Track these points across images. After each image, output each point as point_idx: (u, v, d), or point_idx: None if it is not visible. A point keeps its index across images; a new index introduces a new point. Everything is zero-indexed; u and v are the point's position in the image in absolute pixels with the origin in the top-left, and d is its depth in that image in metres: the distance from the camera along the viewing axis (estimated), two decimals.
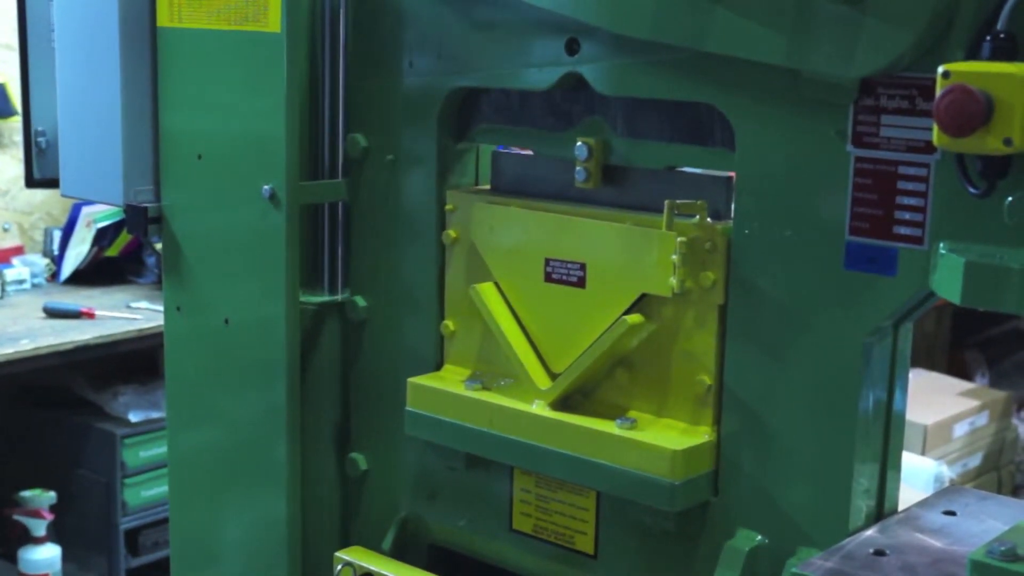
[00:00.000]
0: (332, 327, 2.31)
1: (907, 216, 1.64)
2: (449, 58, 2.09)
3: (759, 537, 1.83)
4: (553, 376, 2.00)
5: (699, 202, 1.81)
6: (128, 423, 4.66)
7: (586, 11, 1.86)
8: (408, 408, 2.12)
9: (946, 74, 1.43)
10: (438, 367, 2.18)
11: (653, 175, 1.94)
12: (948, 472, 5.02)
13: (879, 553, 1.67)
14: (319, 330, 2.31)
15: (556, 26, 1.92)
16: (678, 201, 1.80)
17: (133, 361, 4.82)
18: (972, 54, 1.49)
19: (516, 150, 2.17)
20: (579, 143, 1.95)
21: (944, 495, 1.89)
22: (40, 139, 2.55)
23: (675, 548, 1.92)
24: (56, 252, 5.11)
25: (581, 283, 1.96)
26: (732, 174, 1.81)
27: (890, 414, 1.80)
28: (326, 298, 2.30)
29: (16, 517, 4.60)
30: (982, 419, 5.45)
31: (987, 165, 1.48)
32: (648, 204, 1.92)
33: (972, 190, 1.52)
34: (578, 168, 1.96)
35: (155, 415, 4.65)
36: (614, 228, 1.91)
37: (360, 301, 2.27)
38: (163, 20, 2.26)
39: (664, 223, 1.79)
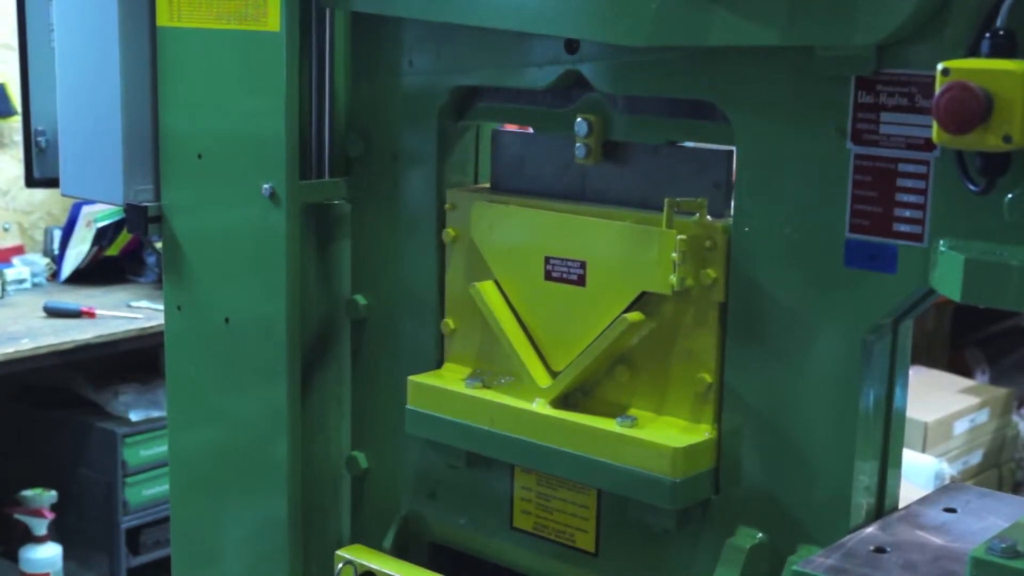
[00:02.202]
0: (334, 325, 2.31)
1: (907, 213, 1.64)
2: (448, 57, 2.09)
3: (760, 535, 1.83)
4: (553, 374, 2.00)
5: (699, 200, 1.81)
6: (129, 422, 4.66)
7: (584, 28, 1.85)
8: (408, 406, 2.12)
9: (945, 71, 1.43)
10: (438, 365, 2.18)
11: (654, 150, 1.94)
12: (948, 469, 5.01)
13: (880, 550, 1.67)
14: (321, 328, 2.31)
15: None
16: (678, 199, 1.80)
17: (134, 360, 4.82)
18: (972, 51, 1.49)
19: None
20: (579, 119, 1.95)
21: (945, 492, 1.89)
22: (40, 138, 2.55)
23: (676, 546, 1.92)
24: (56, 251, 5.11)
25: (581, 281, 1.96)
26: (733, 148, 1.81)
27: (890, 411, 1.80)
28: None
29: (17, 516, 4.60)
30: (982, 416, 5.45)
31: (987, 162, 1.48)
32: (650, 180, 1.92)
33: (972, 187, 1.52)
34: (578, 144, 1.96)
35: (156, 414, 4.64)
36: (614, 226, 1.91)
37: (361, 299, 2.27)
38: (163, 19, 2.26)
39: (664, 221, 1.79)
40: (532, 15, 1.88)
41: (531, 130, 2.10)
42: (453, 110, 2.13)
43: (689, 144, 1.93)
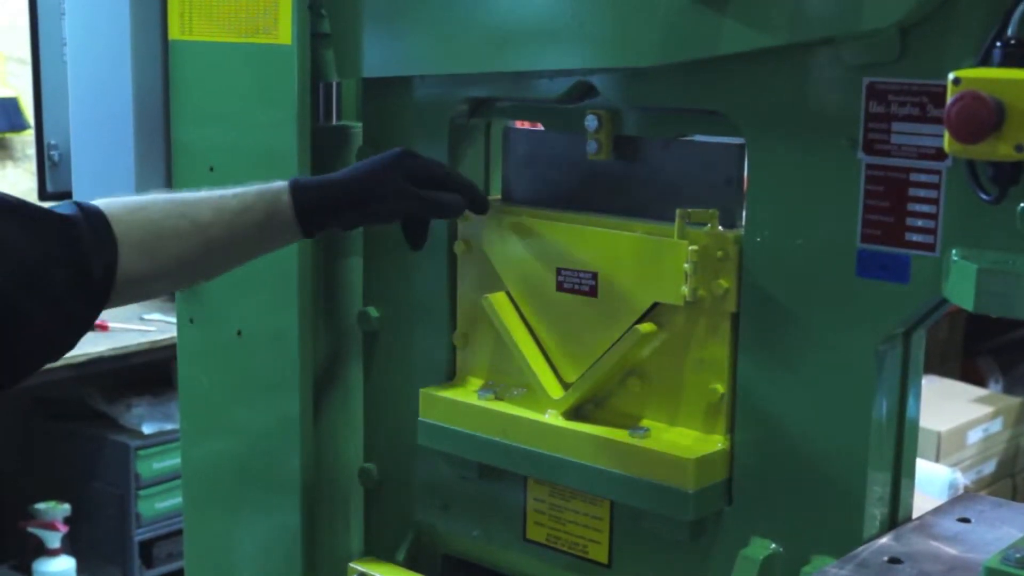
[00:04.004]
0: (346, 338, 2.31)
1: (919, 223, 1.64)
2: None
3: (773, 545, 1.83)
4: (566, 386, 2.00)
5: (710, 211, 1.81)
6: (142, 435, 4.67)
7: (594, 58, 1.86)
8: (421, 418, 2.12)
9: (957, 80, 1.43)
10: (451, 377, 2.18)
11: (664, 146, 1.94)
12: (962, 479, 5.00)
13: (894, 561, 1.67)
14: (333, 340, 2.31)
15: None
16: (690, 210, 1.80)
17: (146, 373, 4.83)
18: (983, 60, 1.49)
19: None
20: (589, 115, 1.96)
21: (958, 502, 1.89)
22: (53, 152, 2.57)
23: (689, 557, 1.92)
24: None
25: (593, 292, 1.96)
26: (744, 141, 1.81)
27: (903, 421, 1.80)
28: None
29: (31, 530, 4.61)
30: (996, 425, 5.43)
31: (999, 171, 1.48)
32: (661, 177, 1.93)
33: (984, 196, 1.52)
34: (589, 140, 1.96)
35: (169, 427, 4.66)
36: (625, 237, 1.91)
37: (372, 312, 2.27)
38: (174, 33, 2.26)
39: (676, 232, 1.79)
40: (541, 55, 1.89)
41: (541, 127, 2.11)
42: (465, 119, 2.14)
43: (700, 138, 1.93)
